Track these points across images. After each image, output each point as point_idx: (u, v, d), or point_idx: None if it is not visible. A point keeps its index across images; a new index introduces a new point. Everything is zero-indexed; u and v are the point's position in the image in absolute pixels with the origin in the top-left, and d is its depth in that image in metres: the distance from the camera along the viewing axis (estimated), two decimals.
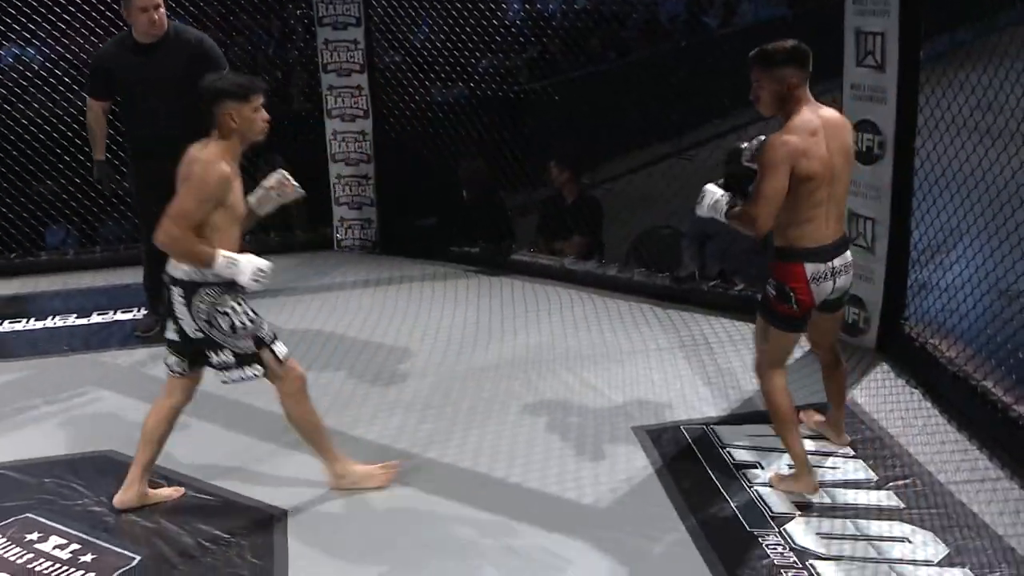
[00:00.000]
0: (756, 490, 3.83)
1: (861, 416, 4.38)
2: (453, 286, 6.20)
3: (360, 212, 6.77)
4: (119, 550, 3.60)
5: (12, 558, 3.54)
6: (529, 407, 4.60)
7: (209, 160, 3.53)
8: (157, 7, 5.01)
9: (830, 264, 3.61)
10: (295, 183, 3.90)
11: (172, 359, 3.77)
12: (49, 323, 5.80)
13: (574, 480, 3.99)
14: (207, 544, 3.63)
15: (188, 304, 3.58)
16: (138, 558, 3.56)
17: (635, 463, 4.08)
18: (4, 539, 3.66)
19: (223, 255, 3.52)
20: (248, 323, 3.62)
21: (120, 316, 5.86)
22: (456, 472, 4.10)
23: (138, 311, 5.86)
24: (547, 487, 3.96)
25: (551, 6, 6.77)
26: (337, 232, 6.87)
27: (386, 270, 6.50)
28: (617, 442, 4.25)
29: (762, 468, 3.98)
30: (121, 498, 3.83)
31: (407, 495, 3.92)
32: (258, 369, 3.69)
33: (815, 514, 3.67)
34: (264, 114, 3.64)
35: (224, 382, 3.73)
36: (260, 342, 3.67)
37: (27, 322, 5.83)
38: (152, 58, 5.06)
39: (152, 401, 3.96)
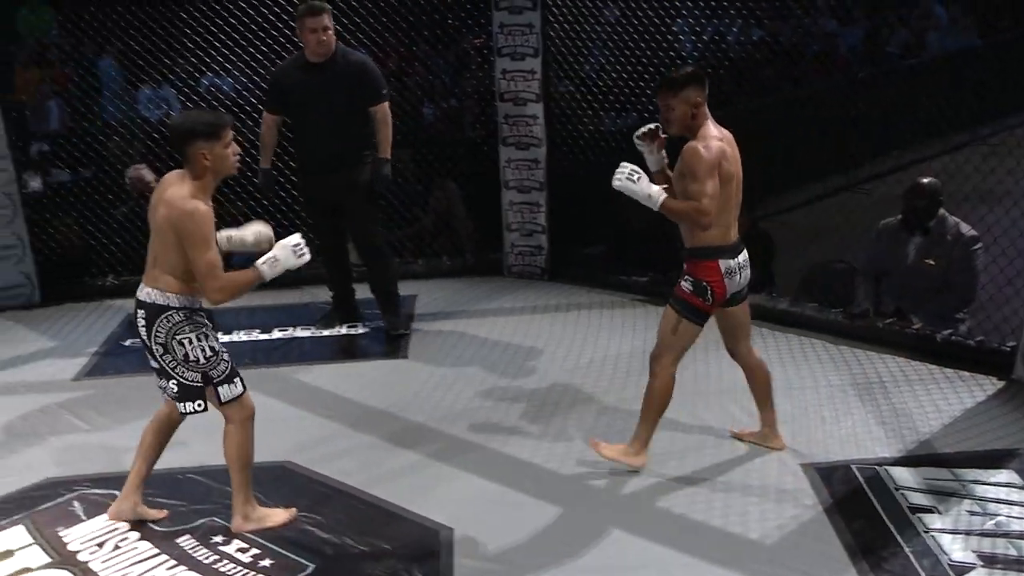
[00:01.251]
0: (933, 536, 3.69)
1: None
2: (621, 315, 6.21)
3: (531, 239, 6.87)
4: (295, 557, 3.75)
5: (199, 557, 3.75)
6: (695, 439, 4.56)
7: (194, 209, 3.51)
8: (325, 29, 5.35)
9: (737, 260, 4.04)
10: (271, 241, 3.87)
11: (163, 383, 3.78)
12: (234, 337, 6.09)
13: (740, 514, 3.94)
14: (376, 556, 3.75)
15: (148, 327, 3.61)
16: (312, 566, 3.71)
17: (803, 500, 4.00)
18: (193, 540, 3.88)
19: (261, 263, 3.65)
20: (203, 359, 3.64)
21: (300, 333, 6.11)
22: (621, 499, 4.11)
23: (316, 330, 6.14)
24: (712, 519, 3.92)
25: (728, 36, 6.73)
26: (507, 258, 6.98)
27: (554, 297, 6.57)
28: (785, 478, 4.18)
29: (940, 513, 3.84)
30: (115, 510, 3.99)
31: (576, 517, 3.95)
32: (200, 404, 3.70)
33: (1000, 566, 3.52)
34: (235, 148, 3.65)
35: (181, 413, 3.76)
36: (207, 379, 3.68)
37: (222, 334, 6.12)
38: (319, 77, 5.39)
39: (327, 414, 4.10)
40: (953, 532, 3.71)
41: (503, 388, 5.18)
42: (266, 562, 3.73)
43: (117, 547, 3.86)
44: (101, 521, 4.04)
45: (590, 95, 6.72)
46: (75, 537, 3.94)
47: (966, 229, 5.39)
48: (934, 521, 3.79)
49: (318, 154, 5.49)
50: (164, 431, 3.94)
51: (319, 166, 5.51)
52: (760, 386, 4.35)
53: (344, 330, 6.11)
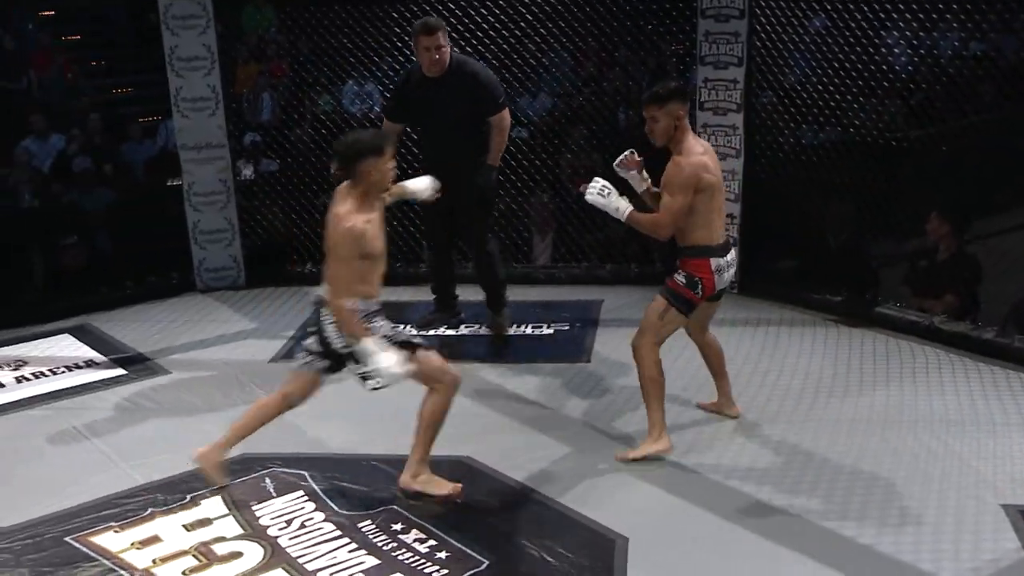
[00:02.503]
0: None
1: None
2: (811, 333, 6.02)
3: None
4: (471, 552, 3.80)
5: (379, 544, 3.85)
6: (885, 467, 4.38)
7: (349, 225, 3.89)
8: (439, 47, 5.43)
9: (726, 258, 4.42)
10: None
11: (316, 362, 4.15)
12: (425, 331, 6.21)
13: (931, 552, 3.75)
14: (550, 560, 3.76)
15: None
16: (487, 562, 3.75)
17: (1004, 544, 3.77)
18: (373, 525, 4.00)
19: (370, 343, 3.91)
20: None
21: (483, 331, 6.18)
22: (800, 523, 3.98)
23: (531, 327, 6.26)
24: (900, 554, 3.75)
25: (948, 50, 6.41)
26: None
27: (743, 311, 6.42)
28: (984, 518, 3.95)
29: None
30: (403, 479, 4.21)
31: (750, 537, 3.86)
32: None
33: None
34: (394, 163, 4.01)
35: (374, 388, 4.00)
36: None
37: (403, 328, 6.25)
38: (436, 90, 5.51)
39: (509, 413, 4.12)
40: None
41: (685, 400, 5.10)
42: (442, 554, 3.79)
43: (303, 526, 4.02)
44: (289, 499, 4.22)
45: (792, 107, 6.53)
46: (266, 512, 4.11)
47: None
48: None
49: (437, 162, 5.51)
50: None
51: (439, 173, 5.44)
52: (716, 359, 4.83)
53: (530, 330, 6.16)
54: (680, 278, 4.39)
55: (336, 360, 4.10)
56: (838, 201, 6.55)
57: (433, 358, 4.11)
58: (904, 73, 6.43)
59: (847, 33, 6.14)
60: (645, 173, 4.55)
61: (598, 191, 4.36)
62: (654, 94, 4.32)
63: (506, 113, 5.64)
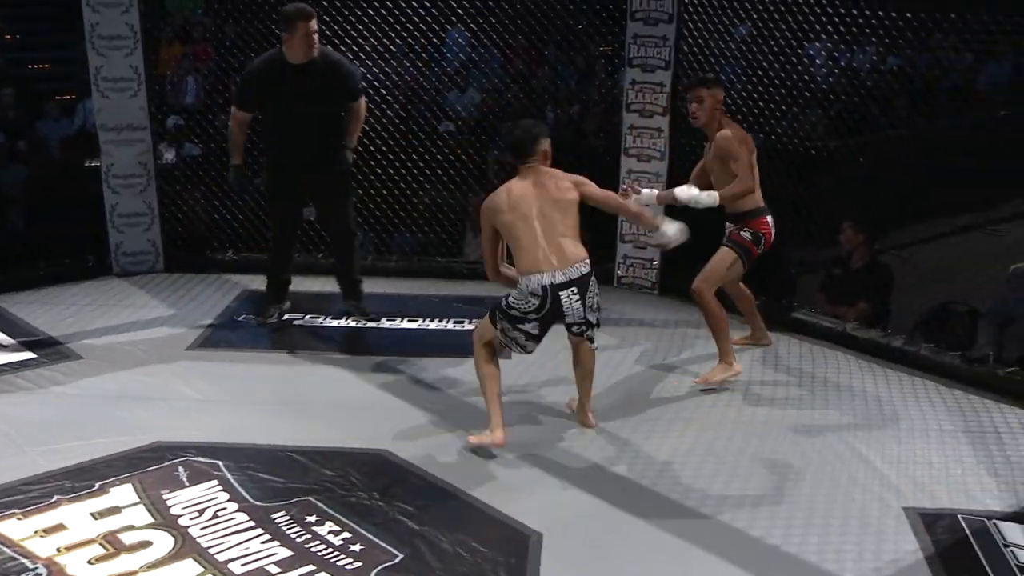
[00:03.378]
0: None
1: None
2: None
3: (644, 251, 6.83)
4: (385, 545, 3.80)
5: (293, 535, 3.82)
6: (795, 470, 4.48)
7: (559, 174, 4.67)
8: (315, 32, 5.46)
9: (769, 215, 5.25)
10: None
11: (531, 346, 4.64)
12: (344, 322, 6.20)
13: (836, 552, 3.85)
14: (464, 554, 3.77)
15: (583, 297, 4.45)
16: (401, 556, 3.74)
17: (904, 546, 3.88)
18: (287, 517, 3.97)
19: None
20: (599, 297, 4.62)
21: (406, 324, 6.18)
22: (713, 523, 4.05)
23: (425, 321, 6.21)
24: (805, 554, 3.84)
25: (867, 64, 6.58)
26: (619, 269, 6.95)
27: (662, 312, 6.51)
28: (886, 520, 4.07)
29: None
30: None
31: (663, 537, 3.92)
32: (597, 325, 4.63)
33: None
34: None
35: (595, 348, 4.70)
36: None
37: (325, 319, 6.26)
38: (302, 78, 5.48)
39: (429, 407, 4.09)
40: None
41: (604, 398, 5.16)
42: (356, 546, 3.78)
43: (216, 516, 3.97)
44: (202, 488, 4.17)
45: None
46: (178, 501, 4.06)
47: None
48: None
49: (301, 152, 5.60)
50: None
51: (301, 164, 5.64)
52: (748, 303, 5.70)
53: (451, 325, 6.17)
54: (746, 234, 5.19)
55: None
56: None
57: None
58: (824, 84, 6.58)
59: (771, 42, 6.26)
60: (649, 190, 5.43)
61: (688, 199, 5.17)
62: (701, 78, 5.27)
63: (363, 101, 5.80)
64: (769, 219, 5.22)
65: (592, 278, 4.51)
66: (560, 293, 4.40)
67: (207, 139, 7.60)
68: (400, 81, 7.37)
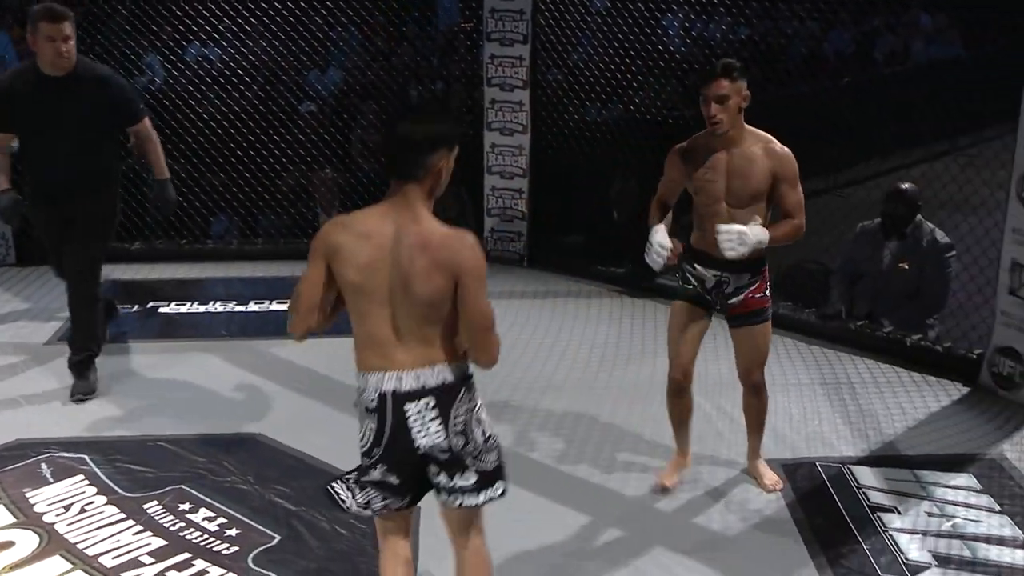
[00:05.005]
0: (891, 535, 3.75)
1: (1011, 472, 4.24)
2: (597, 304, 6.24)
3: (511, 225, 6.89)
4: (262, 528, 3.77)
5: (166, 524, 3.75)
6: (663, 429, 4.57)
7: (475, 244, 2.69)
8: (67, 38, 4.50)
9: None
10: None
11: (389, 500, 2.78)
12: (211, 308, 6.09)
13: (703, 505, 3.98)
14: (342, 531, 3.76)
15: (444, 417, 2.67)
16: (278, 537, 3.72)
17: (767, 495, 4.04)
18: (160, 506, 3.89)
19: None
20: (493, 431, 2.80)
21: (275, 307, 6.10)
22: (588, 486, 4.15)
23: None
24: (681, 511, 3.96)
25: (717, 34, 6.76)
26: (487, 243, 7.00)
27: (531, 283, 6.59)
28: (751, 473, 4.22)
29: (899, 513, 3.90)
30: None
31: (538, 503, 3.98)
32: (500, 486, 2.79)
33: (953, 567, 3.58)
34: None
35: (467, 506, 2.79)
36: (501, 454, 2.81)
37: (191, 305, 6.13)
38: (56, 93, 4.56)
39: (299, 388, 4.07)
40: (911, 532, 3.77)
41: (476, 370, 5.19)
42: (232, 531, 3.74)
43: (83, 510, 3.87)
44: (68, 484, 4.05)
45: (576, 85, 6.73)
46: (42, 499, 3.94)
47: (941, 236, 5.45)
48: (893, 520, 3.85)
49: (52, 181, 4.70)
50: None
51: (54, 194, 4.70)
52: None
53: None
54: (763, 295, 3.86)
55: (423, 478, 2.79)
56: (621, 176, 6.79)
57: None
58: (678, 54, 6.73)
59: (626, 15, 6.38)
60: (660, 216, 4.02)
61: (738, 242, 3.56)
62: (726, 65, 3.58)
63: (148, 121, 4.83)
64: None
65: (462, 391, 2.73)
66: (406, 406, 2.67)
67: None
68: (257, 62, 7.23)
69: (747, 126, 3.71)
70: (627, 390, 5.03)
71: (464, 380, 2.71)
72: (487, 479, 2.74)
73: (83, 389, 4.84)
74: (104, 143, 4.75)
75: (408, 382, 2.64)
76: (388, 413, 2.65)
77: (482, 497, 2.74)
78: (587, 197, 6.84)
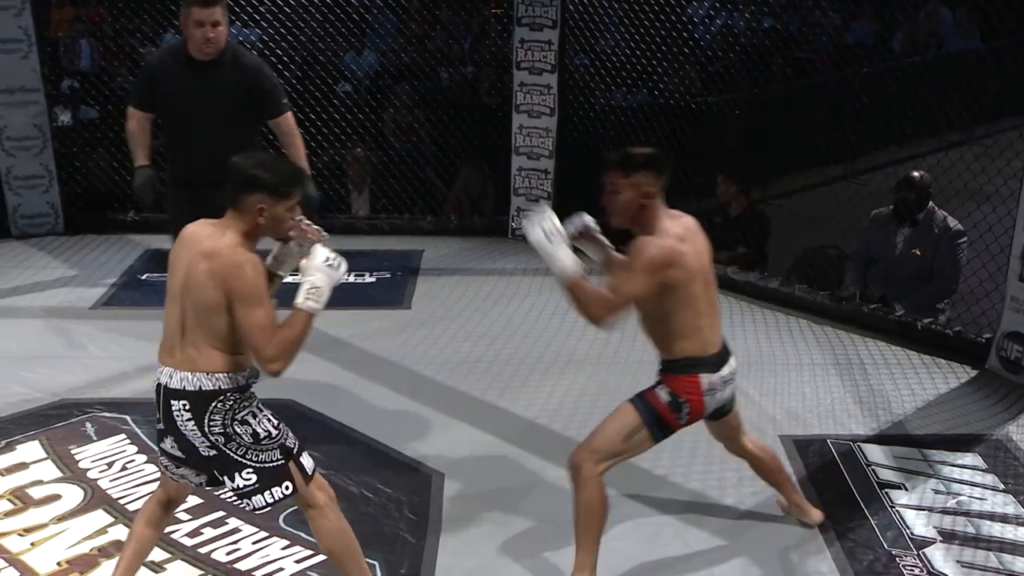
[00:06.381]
0: (898, 511, 3.74)
1: (1016, 453, 4.22)
2: None
3: (536, 204, 6.87)
4: None
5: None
6: None
7: (247, 260, 2.74)
8: (215, 24, 4.36)
9: (721, 374, 3.25)
10: (313, 225, 3.04)
11: (185, 471, 2.94)
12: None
13: (718, 478, 3.98)
14: (369, 494, 3.79)
15: (198, 420, 2.77)
16: None
17: None
18: None
19: (303, 301, 2.80)
20: (272, 430, 2.86)
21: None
22: None
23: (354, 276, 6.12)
24: (690, 482, 3.97)
25: (740, 23, 6.71)
26: (513, 221, 6.99)
27: None
28: None
29: (907, 490, 3.88)
30: None
31: (557, 473, 3.98)
32: (287, 488, 2.86)
33: (957, 542, 3.57)
34: (298, 212, 2.89)
35: (256, 510, 2.90)
36: (287, 452, 2.88)
37: None
38: (203, 78, 4.42)
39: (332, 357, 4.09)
40: (917, 508, 3.76)
41: (501, 344, 5.22)
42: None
43: (125, 468, 3.92)
44: (110, 442, 4.10)
45: (603, 69, 6.71)
46: (86, 456, 3.99)
47: (953, 223, 5.41)
48: (900, 497, 3.84)
49: (190, 167, 4.51)
50: (162, 522, 3.13)
51: (192, 181, 4.44)
52: (771, 471, 3.63)
53: (352, 278, 6.13)
54: (663, 394, 3.22)
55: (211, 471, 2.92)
56: None
57: (306, 482, 2.92)
58: (703, 42, 6.68)
59: (653, 3, 6.33)
60: (604, 239, 3.54)
61: (545, 233, 3.17)
62: (621, 156, 3.16)
63: (292, 116, 4.65)
64: (705, 380, 3.22)
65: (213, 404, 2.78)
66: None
67: (103, 101, 7.35)
68: (296, 43, 7.23)
69: (662, 218, 3.17)
70: (645, 365, 5.00)
71: (221, 392, 2.78)
72: (270, 477, 2.83)
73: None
74: (246, 133, 4.48)
75: (175, 381, 2.79)
76: (160, 402, 2.82)
77: (268, 497, 2.84)
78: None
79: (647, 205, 3.14)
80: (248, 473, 2.82)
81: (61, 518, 3.59)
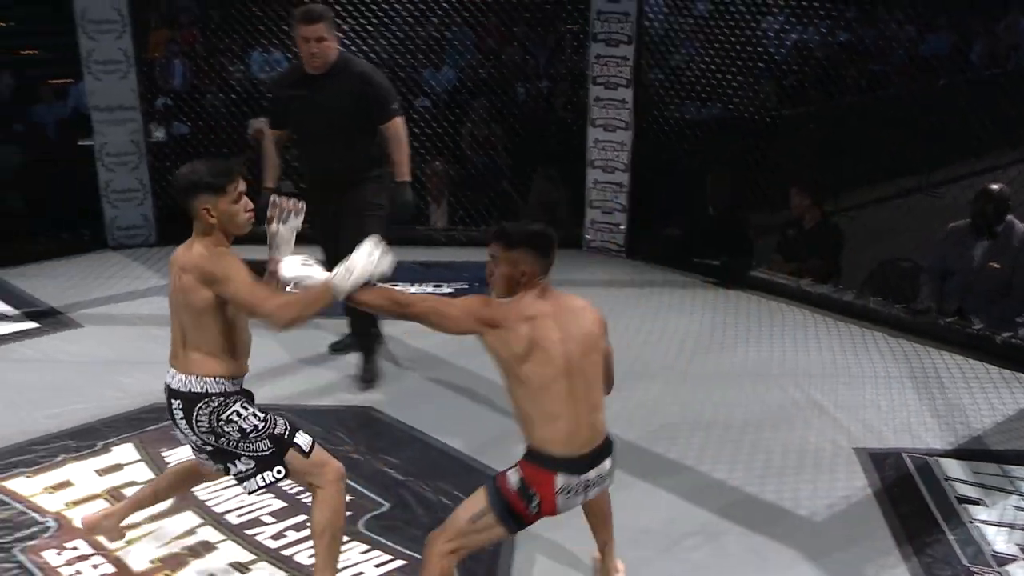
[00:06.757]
0: (978, 527, 3.63)
1: None
2: (691, 294, 6.17)
3: (611, 217, 6.85)
4: (372, 495, 3.83)
5: (285, 488, 3.83)
6: (754, 416, 4.54)
7: (211, 254, 2.91)
8: (320, 39, 4.47)
9: (587, 477, 2.83)
10: (287, 199, 3.16)
11: (201, 456, 3.13)
12: None
13: (792, 491, 3.91)
14: (447, 501, 3.79)
15: (188, 419, 2.97)
16: (387, 505, 3.78)
17: (854, 483, 3.95)
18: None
19: (332, 276, 2.91)
20: (259, 423, 2.97)
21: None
22: (677, 468, 4.11)
23: (407, 285, 6.19)
24: (764, 494, 3.90)
25: (816, 37, 6.60)
26: (587, 233, 6.97)
27: (629, 273, 6.56)
28: (838, 461, 4.13)
29: (987, 505, 3.77)
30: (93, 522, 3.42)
31: (634, 483, 3.96)
32: (278, 472, 2.98)
33: None
34: (247, 203, 2.98)
35: (250, 492, 3.05)
36: (278, 440, 2.99)
37: None
38: (315, 90, 4.55)
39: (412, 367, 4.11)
40: (998, 524, 3.65)
41: None
42: (346, 498, 3.79)
43: None
44: None
45: (678, 84, 6.67)
46: (176, 458, 4.07)
47: None
48: (979, 513, 3.72)
49: (316, 175, 4.71)
50: (190, 480, 3.37)
51: (320, 187, 4.60)
52: (601, 520, 3.27)
53: (431, 289, 6.17)
54: (514, 480, 2.80)
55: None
56: (718, 172, 6.71)
57: (306, 458, 3.02)
58: (777, 56, 6.60)
59: (727, 17, 6.28)
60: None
61: (301, 262, 3.03)
62: (500, 230, 2.91)
63: (400, 122, 4.63)
64: (561, 480, 2.78)
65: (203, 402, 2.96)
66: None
67: (195, 118, 7.54)
68: (377, 59, 7.32)
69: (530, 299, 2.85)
70: (718, 377, 4.97)
71: (207, 395, 2.95)
72: (264, 463, 2.98)
73: (365, 375, 4.84)
74: (362, 137, 4.59)
75: (174, 381, 3.01)
76: (166, 399, 3.05)
77: (260, 481, 2.99)
78: (685, 192, 6.77)
79: (523, 284, 2.86)
80: (244, 461, 2.98)
81: (153, 518, 3.66)
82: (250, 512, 3.71)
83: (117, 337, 5.40)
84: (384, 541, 3.54)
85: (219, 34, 7.49)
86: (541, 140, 7.25)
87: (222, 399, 2.96)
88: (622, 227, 6.84)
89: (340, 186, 4.55)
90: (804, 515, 3.76)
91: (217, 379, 2.97)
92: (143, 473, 3.97)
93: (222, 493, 3.82)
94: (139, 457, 4.09)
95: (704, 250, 6.59)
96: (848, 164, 7.51)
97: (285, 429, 3.02)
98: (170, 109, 7.86)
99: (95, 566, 3.41)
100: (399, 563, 3.42)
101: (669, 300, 6.07)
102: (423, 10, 7.01)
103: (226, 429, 2.95)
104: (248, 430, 2.96)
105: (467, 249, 6.96)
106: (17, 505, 3.75)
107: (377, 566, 3.43)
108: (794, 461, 4.14)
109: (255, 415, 3.00)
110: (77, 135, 7.73)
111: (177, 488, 3.43)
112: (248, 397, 3.09)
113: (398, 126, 4.61)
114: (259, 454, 2.97)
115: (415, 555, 3.45)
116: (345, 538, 3.50)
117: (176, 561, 3.45)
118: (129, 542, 3.53)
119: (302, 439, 3.03)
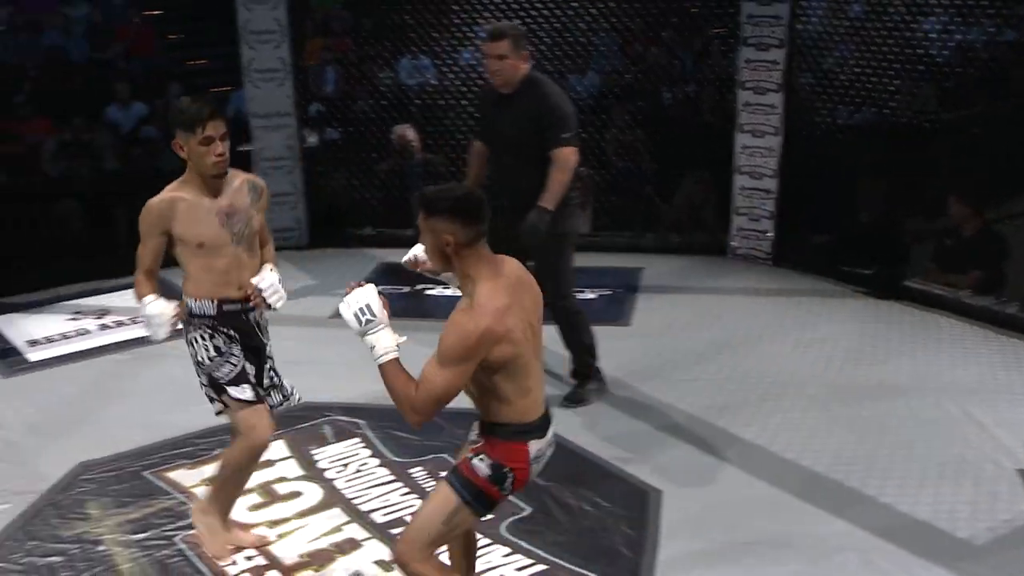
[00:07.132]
0: None
1: None
2: (840, 304, 5.97)
3: (758, 224, 6.70)
4: (514, 500, 3.83)
5: (428, 489, 3.90)
6: (908, 432, 4.36)
7: (148, 203, 3.21)
8: (500, 57, 4.40)
9: (547, 438, 2.85)
10: (266, 299, 3.54)
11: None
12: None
13: (948, 512, 3.73)
14: (588, 508, 3.79)
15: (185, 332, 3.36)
16: (529, 509, 3.79)
17: (1018, 506, 3.75)
18: (424, 472, 4.07)
19: (146, 301, 3.22)
20: (207, 360, 3.29)
21: None
22: (827, 482, 3.98)
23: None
24: (918, 512, 3.75)
25: (983, 37, 6.29)
26: (733, 240, 6.84)
27: (776, 281, 6.39)
28: (1000, 482, 3.93)
29: None
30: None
31: (776, 494, 3.87)
32: (217, 408, 3.35)
33: None
34: (217, 148, 3.14)
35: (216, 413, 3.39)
36: (214, 382, 3.30)
37: (442, 288, 6.23)
38: (502, 108, 4.52)
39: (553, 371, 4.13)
40: None
41: (722, 363, 5.10)
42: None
43: (359, 470, 4.09)
44: (346, 445, 4.28)
45: (830, 88, 6.46)
46: (324, 456, 4.19)
47: None
48: None
49: (503, 193, 4.52)
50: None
51: (509, 206, 4.43)
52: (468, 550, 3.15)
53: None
54: (481, 465, 2.76)
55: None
56: (871, 179, 6.48)
57: (247, 410, 3.32)
58: (939, 58, 6.31)
59: (885, 19, 6.04)
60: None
61: (356, 311, 2.83)
62: (423, 197, 2.71)
63: (570, 152, 4.41)
64: (533, 447, 2.79)
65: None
66: None
67: (346, 124, 7.75)
68: None
69: (484, 278, 2.69)
70: (870, 390, 4.79)
71: (189, 312, 3.32)
72: (209, 393, 3.34)
73: (573, 397, 4.75)
74: (541, 160, 4.41)
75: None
76: None
77: (215, 408, 3.37)
78: (836, 198, 6.55)
79: (450, 254, 2.67)
80: (202, 384, 3.36)
81: (302, 514, 3.78)
82: (394, 512, 3.78)
83: (273, 335, 5.55)
84: (525, 545, 3.55)
85: (371, 41, 7.67)
86: (687, 145, 7.14)
87: (195, 320, 3.30)
88: (769, 234, 6.67)
89: (521, 207, 4.40)
90: (962, 537, 3.58)
91: (196, 300, 3.30)
92: (292, 469, 4.10)
93: (368, 492, 3.91)
94: (289, 454, 4.23)
95: (855, 258, 6.36)
96: (1013, 169, 7.12)
97: (227, 375, 3.29)
98: (323, 115, 8.10)
99: (249, 558, 3.54)
100: (540, 568, 3.43)
101: (818, 309, 5.89)
102: (570, 15, 7.01)
103: (191, 350, 3.34)
104: (199, 361, 3.32)
105: (610, 254, 6.93)
106: (179, 495, 3.93)
107: (518, 570, 3.45)
108: (951, 480, 3.95)
109: (207, 349, 3.29)
110: (235, 140, 8.05)
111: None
112: (221, 330, 3.33)
113: (566, 156, 4.41)
114: (203, 384, 3.34)
115: (556, 560, 3.47)
116: (487, 541, 3.55)
117: (324, 557, 3.55)
118: (280, 536, 3.64)
119: (238, 392, 3.27)
